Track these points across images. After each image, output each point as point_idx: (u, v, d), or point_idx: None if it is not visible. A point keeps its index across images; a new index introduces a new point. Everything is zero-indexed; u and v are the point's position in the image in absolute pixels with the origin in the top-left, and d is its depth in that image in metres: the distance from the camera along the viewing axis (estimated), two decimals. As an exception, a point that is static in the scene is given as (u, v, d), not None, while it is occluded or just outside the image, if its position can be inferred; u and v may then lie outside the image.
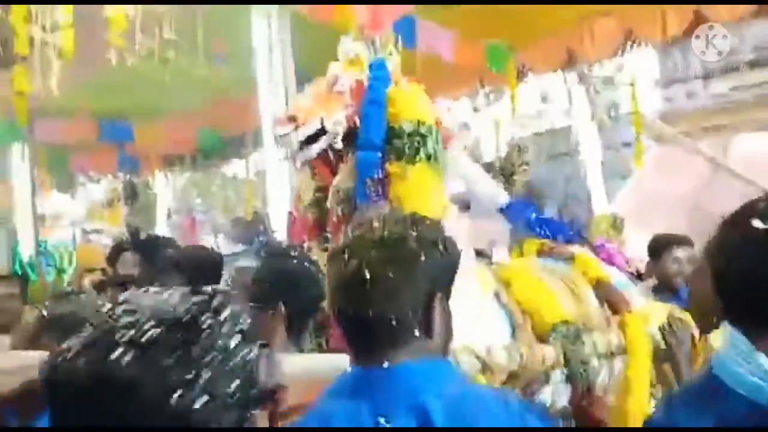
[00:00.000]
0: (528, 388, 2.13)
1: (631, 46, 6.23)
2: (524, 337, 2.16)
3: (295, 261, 1.62)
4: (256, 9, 4.94)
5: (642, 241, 3.81)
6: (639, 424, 2.14)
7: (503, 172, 8.39)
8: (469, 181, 2.79)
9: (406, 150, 2.05)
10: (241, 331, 0.73)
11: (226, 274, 2.43)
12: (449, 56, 5.81)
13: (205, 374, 0.67)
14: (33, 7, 3.79)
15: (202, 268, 2.06)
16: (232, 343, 0.71)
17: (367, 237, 1.12)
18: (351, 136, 2.12)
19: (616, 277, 2.65)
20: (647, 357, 2.25)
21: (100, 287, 3.95)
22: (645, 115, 6.50)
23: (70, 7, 3.91)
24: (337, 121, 2.10)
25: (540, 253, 2.72)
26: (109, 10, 3.71)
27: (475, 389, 1.25)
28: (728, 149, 6.52)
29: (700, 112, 7.34)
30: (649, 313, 2.54)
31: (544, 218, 2.94)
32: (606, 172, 7.30)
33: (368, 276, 1.07)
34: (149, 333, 0.67)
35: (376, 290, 1.08)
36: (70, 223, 8.97)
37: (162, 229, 8.02)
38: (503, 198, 2.82)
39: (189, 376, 0.66)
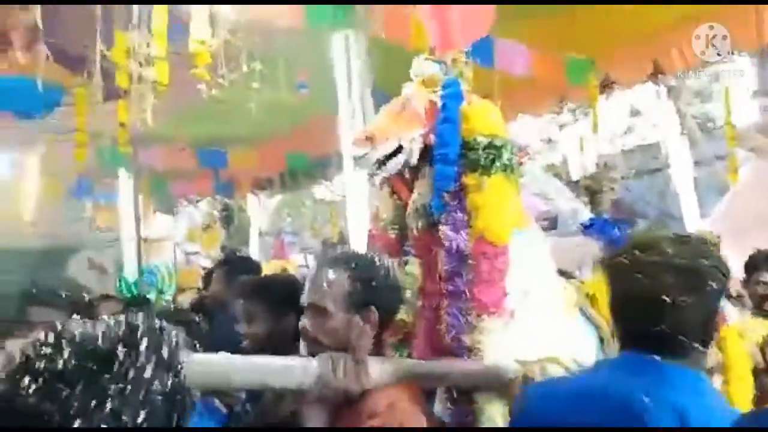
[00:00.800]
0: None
1: (726, 54, 5.96)
2: (613, 350, 2.12)
3: (381, 269, 1.67)
4: (335, 34, 5.12)
5: (738, 258, 3.63)
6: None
7: (589, 190, 8.21)
8: (548, 199, 2.78)
9: (482, 161, 2.06)
10: (160, 362, 0.77)
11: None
12: (527, 72, 5.76)
13: (112, 403, 0.72)
14: (131, 43, 4.10)
15: (279, 293, 2.17)
16: (147, 373, 0.76)
17: (657, 259, 1.24)
18: (426, 154, 2.16)
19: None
20: (747, 372, 2.17)
21: (194, 307, 4.19)
22: (740, 126, 6.18)
23: (164, 41, 4.20)
24: (413, 138, 2.14)
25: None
26: (192, 46, 3.95)
27: (726, 406, 1.35)
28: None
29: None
30: (747, 329, 2.46)
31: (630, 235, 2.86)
32: (700, 187, 6.97)
33: (666, 299, 1.21)
34: (59, 363, 0.73)
35: (671, 312, 1.21)
36: (172, 244, 9.49)
37: (254, 249, 8.34)
38: (585, 215, 2.79)
39: (93, 404, 0.71)
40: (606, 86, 6.35)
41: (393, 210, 2.30)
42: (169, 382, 0.77)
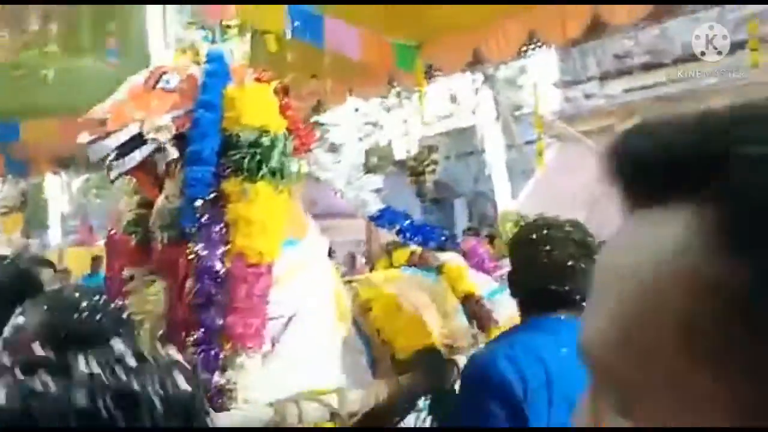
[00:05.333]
0: (387, 421, 1.81)
1: (533, 48, 6.07)
2: (383, 370, 1.83)
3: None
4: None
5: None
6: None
7: (413, 171, 8.17)
8: (334, 189, 2.45)
9: (246, 164, 1.64)
10: None
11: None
12: (356, 54, 5.48)
13: None
14: None
15: None
16: None
17: (561, 234, 1.42)
18: (181, 145, 1.69)
19: (486, 285, 2.36)
20: None
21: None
22: (545, 115, 6.36)
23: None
24: (161, 125, 1.67)
25: (410, 262, 2.42)
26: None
27: None
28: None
29: (597, 112, 7.28)
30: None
31: (417, 225, 2.63)
32: (510, 170, 7.14)
33: (570, 264, 1.40)
34: None
35: (572, 276, 1.38)
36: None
37: (55, 234, 7.31)
38: (374, 206, 2.48)
39: None
40: (429, 73, 6.26)
41: (136, 209, 1.81)
42: None
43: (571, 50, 7.11)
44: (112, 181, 1.72)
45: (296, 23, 4.68)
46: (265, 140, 1.65)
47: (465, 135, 8.42)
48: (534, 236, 1.43)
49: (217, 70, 1.78)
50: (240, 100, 1.71)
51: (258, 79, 1.84)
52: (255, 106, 1.72)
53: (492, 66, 6.67)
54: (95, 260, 6.48)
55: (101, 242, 7.49)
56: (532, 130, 6.71)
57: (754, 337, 0.29)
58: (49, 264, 3.37)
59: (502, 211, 6.06)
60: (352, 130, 7.04)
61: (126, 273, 1.76)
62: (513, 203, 6.72)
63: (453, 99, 8.58)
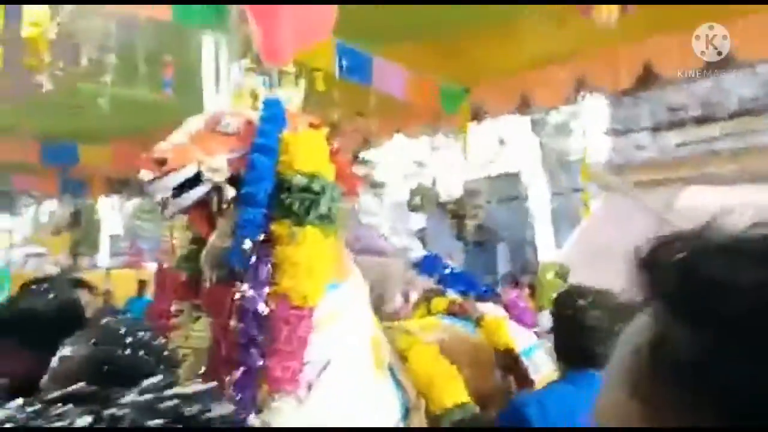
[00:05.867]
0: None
1: (584, 96, 6.05)
2: (416, 420, 1.82)
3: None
4: (205, 34, 4.61)
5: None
6: None
7: (454, 214, 8.16)
8: (380, 234, 2.48)
9: (295, 208, 1.68)
10: None
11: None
12: (402, 94, 5.55)
13: None
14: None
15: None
16: None
17: (600, 301, 1.58)
18: (234, 186, 1.75)
19: (524, 341, 2.34)
20: None
21: None
22: (593, 164, 6.30)
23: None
24: (217, 167, 1.72)
25: (448, 311, 2.41)
26: (26, 29, 3.33)
27: None
28: (674, 202, 6.33)
29: (647, 164, 7.17)
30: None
31: (457, 273, 2.63)
32: (555, 219, 7.06)
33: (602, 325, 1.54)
34: None
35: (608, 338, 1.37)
36: (10, 246, 8.40)
37: (104, 256, 7.52)
38: (417, 252, 2.50)
39: None
40: (477, 115, 6.29)
41: (189, 244, 1.86)
42: None
43: (623, 99, 7.06)
44: (168, 218, 1.78)
45: (345, 62, 4.78)
46: (316, 186, 1.70)
47: (510, 180, 8.40)
48: (579, 302, 1.61)
49: (274, 116, 1.84)
50: (294, 145, 1.76)
51: (312, 125, 1.90)
52: (308, 152, 1.77)
53: (540, 111, 6.67)
54: (141, 284, 6.61)
55: (148, 264, 7.68)
56: (580, 178, 6.65)
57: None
58: (87, 285, 3.47)
59: (544, 261, 5.98)
60: (397, 168, 7.10)
61: (174, 307, 1.81)
62: (556, 252, 6.63)
63: (501, 142, 8.59)
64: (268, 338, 1.60)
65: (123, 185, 6.72)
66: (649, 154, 7.31)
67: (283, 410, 1.54)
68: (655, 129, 7.30)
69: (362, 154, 6.65)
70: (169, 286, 1.86)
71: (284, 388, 1.56)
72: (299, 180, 1.71)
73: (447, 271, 2.44)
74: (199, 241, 1.83)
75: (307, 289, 1.64)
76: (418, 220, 6.62)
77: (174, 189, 1.71)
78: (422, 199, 8.39)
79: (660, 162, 7.10)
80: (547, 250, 6.71)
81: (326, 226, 1.70)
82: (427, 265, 2.44)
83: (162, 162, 1.67)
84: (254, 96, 1.96)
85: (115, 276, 7.05)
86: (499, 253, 9.18)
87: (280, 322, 1.60)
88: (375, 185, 7.46)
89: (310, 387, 1.62)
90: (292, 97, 2.04)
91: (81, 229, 7.62)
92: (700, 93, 6.77)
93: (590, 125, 7.02)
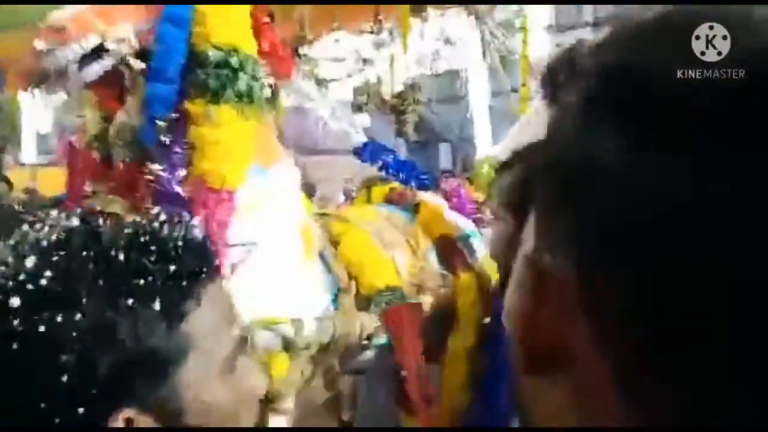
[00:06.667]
0: (343, 358, 1.79)
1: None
2: (345, 303, 1.80)
3: None
4: None
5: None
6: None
7: (395, 110, 8.03)
8: (319, 119, 2.37)
9: (210, 85, 1.55)
10: None
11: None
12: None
13: None
14: None
15: None
16: None
17: None
18: (144, 60, 1.59)
19: (462, 227, 2.33)
20: (472, 329, 1.92)
21: None
22: (534, 59, 6.22)
23: None
24: (124, 37, 1.56)
25: (388, 199, 2.37)
26: None
27: None
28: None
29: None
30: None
31: (400, 161, 2.57)
32: (495, 117, 7.04)
33: None
34: None
35: None
36: None
37: (29, 153, 7.09)
38: (358, 137, 2.42)
39: None
40: (420, 8, 6.04)
41: (99, 123, 1.71)
42: None
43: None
44: (72, 95, 1.62)
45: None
46: (234, 61, 1.56)
47: (452, 78, 8.25)
48: None
49: (188, -18, 1.66)
50: (210, 16, 1.60)
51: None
52: (226, 24, 1.61)
53: (487, 7, 6.48)
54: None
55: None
56: (518, 75, 6.58)
57: None
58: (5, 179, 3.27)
59: (481, 157, 6.01)
60: (340, 66, 6.85)
61: (88, 189, 1.69)
62: (493, 149, 6.67)
63: (447, 41, 8.36)
64: (186, 221, 1.51)
65: (43, 78, 6.19)
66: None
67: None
68: (597, 25, 7.22)
69: (302, 50, 6.35)
70: (81, 166, 1.73)
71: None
72: (215, 54, 1.56)
73: (390, 157, 2.38)
74: (109, 120, 1.69)
75: (225, 171, 1.55)
76: (363, 120, 6.48)
77: (77, 63, 1.55)
78: (367, 98, 8.20)
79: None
80: (485, 148, 6.72)
81: (246, 105, 1.58)
82: (369, 151, 2.37)
83: (60, 31, 1.50)
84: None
85: (44, 174, 6.71)
86: (440, 153, 9.18)
87: (197, 205, 1.51)
88: (320, 83, 7.19)
89: (232, 270, 1.56)
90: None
91: (2, 126, 7.10)
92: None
93: (533, 22, 6.86)
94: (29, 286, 0.61)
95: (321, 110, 2.33)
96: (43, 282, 0.61)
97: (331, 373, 1.78)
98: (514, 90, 7.10)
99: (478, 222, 2.80)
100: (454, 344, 1.90)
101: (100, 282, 0.63)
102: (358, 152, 2.50)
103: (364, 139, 2.44)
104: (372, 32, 7.86)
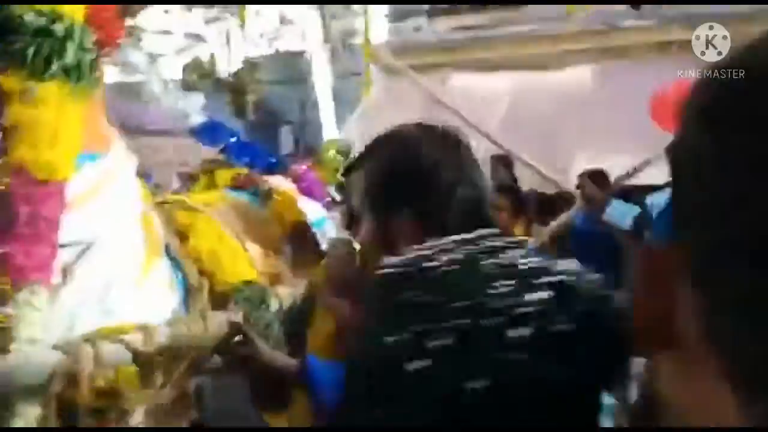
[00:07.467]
0: (195, 364, 1.65)
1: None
2: (199, 303, 1.65)
3: None
4: None
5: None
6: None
7: (232, 90, 7.69)
8: (153, 97, 2.15)
9: (30, 56, 1.31)
10: None
11: None
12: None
13: None
14: None
15: None
16: None
17: None
18: None
19: (314, 213, 2.26)
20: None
21: None
22: (374, 45, 6.27)
23: None
24: None
25: (234, 184, 2.22)
26: None
27: None
28: (446, 85, 6.62)
29: (423, 46, 7.35)
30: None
31: (244, 143, 2.42)
32: (337, 100, 7.02)
33: None
34: None
35: None
36: None
37: None
38: (196, 117, 2.23)
39: None
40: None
41: None
42: None
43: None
44: None
45: None
46: (59, 29, 1.33)
47: (294, 59, 8.08)
48: None
49: None
50: None
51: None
52: None
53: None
54: None
55: None
56: (361, 60, 6.60)
57: None
58: None
59: (327, 140, 5.96)
60: (169, 41, 6.39)
61: None
62: (336, 134, 6.65)
63: (283, 20, 8.14)
64: (5, 220, 1.27)
65: None
66: (426, 37, 7.48)
67: (33, 302, 1.26)
68: (432, 14, 7.45)
69: (128, 20, 5.82)
70: None
71: (31, 278, 1.27)
72: (33, 19, 1.32)
73: (233, 139, 2.22)
74: None
75: (53, 159, 1.32)
76: (196, 100, 6.11)
77: None
78: (199, 76, 7.76)
79: (434, 45, 7.31)
80: (329, 131, 6.69)
81: (74, 81, 1.36)
82: (209, 132, 2.19)
83: None
84: None
85: None
86: (281, 136, 8.99)
87: (19, 199, 1.28)
88: (148, 56, 6.64)
89: (66, 273, 1.35)
90: None
91: None
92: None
93: (373, 6, 6.92)
94: None
95: (153, 86, 2.11)
96: None
97: (181, 378, 1.63)
98: (355, 74, 7.12)
99: (327, 207, 2.75)
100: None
101: None
102: (197, 133, 2.31)
103: (203, 119, 2.26)
104: (204, 5, 7.44)
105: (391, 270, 0.74)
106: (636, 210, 3.01)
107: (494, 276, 0.73)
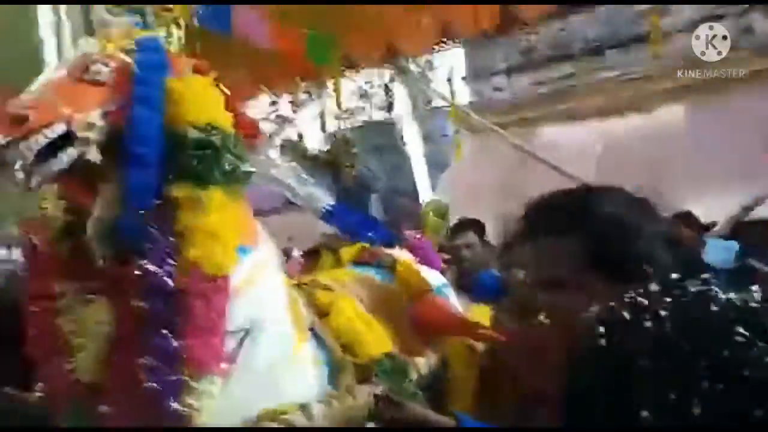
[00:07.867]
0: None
1: (445, 42, 6.08)
2: (346, 380, 1.70)
3: None
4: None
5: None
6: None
7: (332, 165, 7.98)
8: (286, 185, 2.28)
9: (196, 167, 1.44)
10: None
11: None
12: (267, 43, 5.18)
13: None
14: None
15: None
16: None
17: None
18: (115, 144, 1.47)
19: (435, 280, 2.29)
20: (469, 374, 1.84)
21: None
22: (458, 108, 6.42)
23: None
24: (91, 123, 1.43)
25: (359, 259, 2.29)
26: None
27: None
28: (534, 139, 6.64)
29: (506, 104, 7.43)
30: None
31: (369, 220, 2.51)
32: (427, 164, 7.17)
33: None
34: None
35: None
36: None
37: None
38: (322, 199, 2.34)
39: None
40: (351, 65, 6.15)
41: (64, 215, 1.56)
42: None
43: (479, 46, 7.22)
44: (35, 190, 1.47)
45: (201, 10, 4.38)
46: (216, 140, 1.47)
47: (381, 128, 8.36)
48: None
49: (154, 59, 1.57)
50: (183, 93, 1.51)
51: (197, 69, 1.65)
52: (200, 101, 1.52)
53: (406, 59, 6.66)
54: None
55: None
56: (445, 123, 6.75)
57: None
58: None
59: (425, 203, 6.05)
60: (267, 126, 6.79)
61: (57, 289, 1.51)
62: (433, 195, 6.75)
63: (363, 95, 8.49)
64: (182, 315, 1.38)
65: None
66: (506, 95, 7.57)
67: (209, 391, 1.35)
68: (510, 71, 7.55)
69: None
70: (44, 265, 1.56)
71: (210, 368, 1.37)
72: (194, 134, 1.47)
73: (357, 219, 2.31)
74: (76, 212, 1.54)
75: (220, 256, 1.44)
76: (320, 182, 6.39)
77: (38, 155, 1.41)
78: (291, 155, 8.14)
79: (517, 102, 7.39)
80: (425, 194, 6.81)
81: (233, 185, 1.49)
82: (339, 215, 2.29)
83: (21, 120, 1.37)
84: (125, 37, 1.66)
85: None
86: (372, 204, 9.20)
87: (195, 296, 1.39)
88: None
89: (233, 360, 1.44)
90: (172, 35, 1.77)
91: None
92: (550, 35, 7.06)
93: (451, 71, 7.12)
94: None
95: (287, 176, 2.25)
96: None
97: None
98: (443, 136, 7.27)
99: (443, 272, 2.76)
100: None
101: None
102: (325, 216, 2.42)
103: (331, 201, 2.37)
104: (291, 93, 7.87)
105: None
106: (734, 246, 2.83)
107: None
